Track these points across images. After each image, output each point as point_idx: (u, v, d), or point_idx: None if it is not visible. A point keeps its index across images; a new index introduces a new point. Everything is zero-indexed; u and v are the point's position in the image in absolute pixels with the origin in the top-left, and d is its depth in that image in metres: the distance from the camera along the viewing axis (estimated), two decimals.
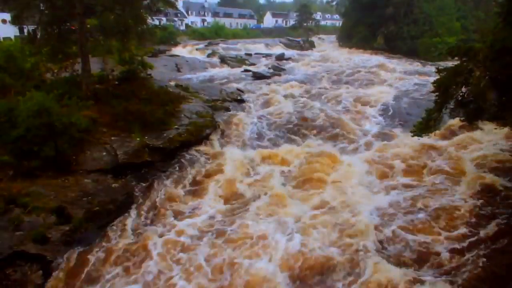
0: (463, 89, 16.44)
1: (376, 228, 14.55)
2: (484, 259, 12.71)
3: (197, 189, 18.04)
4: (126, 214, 15.48)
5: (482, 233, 14.09)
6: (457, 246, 13.59)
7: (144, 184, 17.47)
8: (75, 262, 12.80)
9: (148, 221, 15.47)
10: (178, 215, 15.95)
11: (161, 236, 14.29)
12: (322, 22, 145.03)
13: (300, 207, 16.25)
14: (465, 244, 13.61)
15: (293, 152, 21.53)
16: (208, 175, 19.05)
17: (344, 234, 14.20)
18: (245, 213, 15.78)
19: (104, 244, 13.87)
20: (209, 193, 17.55)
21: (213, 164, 19.98)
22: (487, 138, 22.19)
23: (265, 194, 17.24)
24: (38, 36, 22.87)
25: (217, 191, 17.66)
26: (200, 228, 14.90)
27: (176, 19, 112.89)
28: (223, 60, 57.64)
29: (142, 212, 15.93)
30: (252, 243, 13.75)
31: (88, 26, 23.76)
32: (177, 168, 19.27)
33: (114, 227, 14.71)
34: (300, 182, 18.53)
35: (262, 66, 53.20)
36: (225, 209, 16.38)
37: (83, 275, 12.42)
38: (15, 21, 23.69)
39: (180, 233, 14.50)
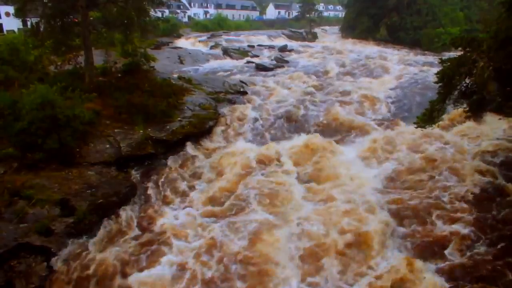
0: (467, 80, 16.39)
1: None
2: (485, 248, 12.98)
3: (200, 181, 18.08)
4: (129, 206, 15.56)
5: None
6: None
7: (147, 176, 17.52)
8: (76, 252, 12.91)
9: (150, 212, 15.52)
10: (180, 206, 16.05)
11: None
12: (325, 13, 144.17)
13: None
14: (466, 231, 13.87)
15: (293, 145, 21.34)
16: (211, 167, 19.09)
17: None
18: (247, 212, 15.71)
19: (105, 235, 13.98)
20: (212, 185, 17.57)
21: (215, 157, 20.01)
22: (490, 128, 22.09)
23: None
24: (42, 29, 22.91)
25: (220, 183, 17.66)
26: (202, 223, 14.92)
27: (178, 11, 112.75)
28: (226, 52, 57.29)
29: (145, 203, 16.03)
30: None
31: (91, 18, 23.76)
32: (180, 160, 19.33)
33: (117, 218, 14.80)
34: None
35: (265, 58, 52.87)
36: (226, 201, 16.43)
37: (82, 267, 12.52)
38: (18, 14, 23.88)
39: (182, 225, 14.62)
